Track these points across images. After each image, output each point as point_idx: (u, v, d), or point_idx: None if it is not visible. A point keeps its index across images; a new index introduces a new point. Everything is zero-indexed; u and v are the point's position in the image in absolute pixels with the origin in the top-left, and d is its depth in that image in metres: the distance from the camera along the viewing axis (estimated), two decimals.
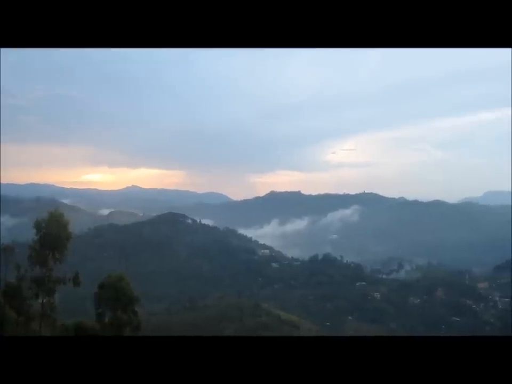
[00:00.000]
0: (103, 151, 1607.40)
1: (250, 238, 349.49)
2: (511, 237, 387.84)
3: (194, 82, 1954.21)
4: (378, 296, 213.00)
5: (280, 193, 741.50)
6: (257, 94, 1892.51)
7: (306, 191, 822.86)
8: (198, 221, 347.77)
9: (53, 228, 41.14)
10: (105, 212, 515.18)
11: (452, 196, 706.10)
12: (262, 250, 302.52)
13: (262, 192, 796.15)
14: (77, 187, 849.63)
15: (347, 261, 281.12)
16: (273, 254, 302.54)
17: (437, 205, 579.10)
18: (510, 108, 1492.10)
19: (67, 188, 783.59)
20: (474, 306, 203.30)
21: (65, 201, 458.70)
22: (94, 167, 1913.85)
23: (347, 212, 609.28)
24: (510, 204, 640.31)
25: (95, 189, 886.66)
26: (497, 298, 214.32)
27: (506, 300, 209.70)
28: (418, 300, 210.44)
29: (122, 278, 42.99)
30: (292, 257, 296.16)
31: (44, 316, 41.56)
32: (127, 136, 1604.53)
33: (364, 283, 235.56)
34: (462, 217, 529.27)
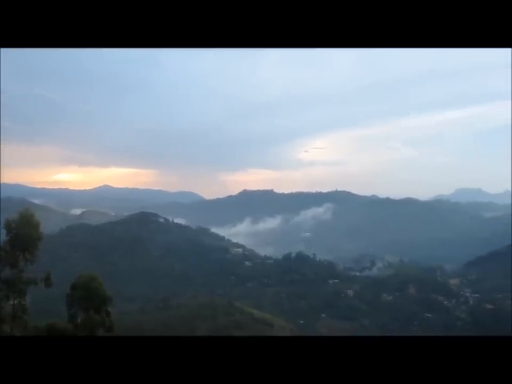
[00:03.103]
0: (73, 151, 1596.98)
1: (223, 236, 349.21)
2: (483, 234, 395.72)
3: (166, 81, 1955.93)
4: (351, 293, 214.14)
5: (253, 191, 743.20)
6: (229, 93, 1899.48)
7: (278, 189, 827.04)
8: (171, 220, 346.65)
9: (23, 228, 40.59)
10: (76, 211, 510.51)
11: (423, 193, 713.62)
12: (235, 249, 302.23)
13: (234, 191, 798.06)
14: (47, 187, 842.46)
15: (320, 258, 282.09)
16: (246, 252, 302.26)
17: (409, 203, 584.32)
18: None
19: (38, 188, 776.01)
20: (446, 302, 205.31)
21: (36, 201, 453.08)
22: (64, 166, 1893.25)
23: (319, 210, 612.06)
24: (480, 201, 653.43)
25: (66, 188, 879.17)
26: (468, 294, 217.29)
27: (477, 295, 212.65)
28: (391, 297, 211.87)
29: (94, 278, 42.58)
30: (265, 255, 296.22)
31: (15, 318, 40.98)
32: (97, 135, 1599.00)
33: (337, 280, 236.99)
34: (433, 215, 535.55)
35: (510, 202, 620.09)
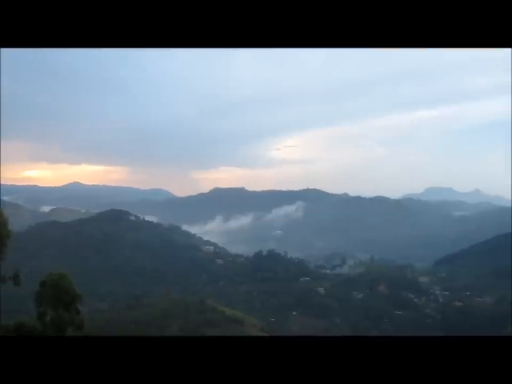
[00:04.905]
0: (42, 147, 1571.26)
1: (195, 234, 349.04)
2: (453, 232, 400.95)
3: (138, 77, 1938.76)
4: (322, 291, 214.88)
5: (224, 189, 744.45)
6: (201, 90, 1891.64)
7: (250, 187, 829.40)
8: (142, 217, 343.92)
9: None
10: (46, 209, 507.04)
11: (394, 192, 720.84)
12: (206, 247, 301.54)
13: (205, 189, 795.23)
14: (16, 184, 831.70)
15: (291, 256, 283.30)
16: (218, 250, 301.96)
17: (379, 201, 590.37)
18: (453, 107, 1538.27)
19: (6, 185, 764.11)
20: (416, 300, 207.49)
21: (5, 198, 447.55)
22: (33, 163, 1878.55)
23: (291, 208, 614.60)
24: (450, 200, 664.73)
25: (36, 185, 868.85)
26: (438, 292, 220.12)
27: (447, 293, 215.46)
28: (362, 294, 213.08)
29: (64, 276, 42.11)
30: (236, 253, 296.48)
31: None
32: (67, 131, 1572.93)
33: (308, 278, 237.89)
34: (404, 213, 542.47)
35: (479, 201, 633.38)
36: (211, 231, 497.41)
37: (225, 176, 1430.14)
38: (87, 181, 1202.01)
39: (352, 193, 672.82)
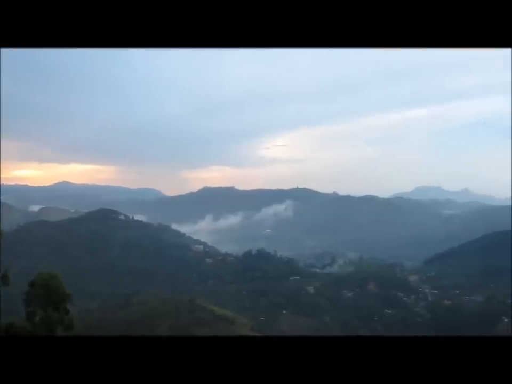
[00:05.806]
0: (32, 146, 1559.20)
1: (184, 233, 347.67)
2: (442, 231, 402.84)
3: (129, 77, 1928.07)
4: (312, 290, 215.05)
5: (214, 188, 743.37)
6: (192, 90, 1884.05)
7: (240, 186, 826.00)
8: (131, 217, 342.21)
9: None
10: (35, 208, 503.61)
11: (384, 191, 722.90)
12: (196, 246, 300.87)
13: (195, 188, 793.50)
14: (6, 183, 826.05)
15: (281, 255, 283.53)
16: (207, 249, 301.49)
17: (369, 200, 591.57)
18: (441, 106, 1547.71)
19: None
20: (406, 298, 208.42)
21: None
22: (23, 162, 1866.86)
23: (281, 207, 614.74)
24: (439, 198, 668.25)
25: (25, 185, 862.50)
26: (427, 291, 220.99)
27: (436, 291, 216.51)
28: (351, 293, 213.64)
29: (53, 275, 41.95)
30: (226, 252, 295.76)
31: None
32: (57, 130, 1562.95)
33: (298, 277, 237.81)
34: (394, 212, 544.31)
35: (468, 200, 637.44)
36: (201, 230, 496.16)
37: (215, 176, 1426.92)
38: (76, 180, 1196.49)
39: (342, 192, 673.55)
